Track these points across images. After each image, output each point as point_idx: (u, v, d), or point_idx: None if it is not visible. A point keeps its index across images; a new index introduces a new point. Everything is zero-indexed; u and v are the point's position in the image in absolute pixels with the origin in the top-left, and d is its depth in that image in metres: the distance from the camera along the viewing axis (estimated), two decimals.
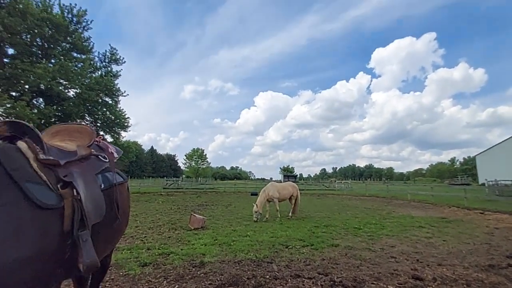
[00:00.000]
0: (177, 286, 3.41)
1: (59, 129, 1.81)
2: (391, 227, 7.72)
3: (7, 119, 1.36)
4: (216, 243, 5.68)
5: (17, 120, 1.38)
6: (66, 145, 1.62)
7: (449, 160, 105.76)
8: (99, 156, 1.80)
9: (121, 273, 3.82)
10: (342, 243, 5.85)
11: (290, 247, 5.50)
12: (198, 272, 3.94)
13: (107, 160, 1.83)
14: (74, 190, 1.39)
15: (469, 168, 75.51)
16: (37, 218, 1.19)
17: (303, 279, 3.68)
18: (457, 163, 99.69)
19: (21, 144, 1.32)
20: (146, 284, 3.48)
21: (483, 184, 30.84)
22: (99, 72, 24.49)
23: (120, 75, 25.13)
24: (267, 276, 3.74)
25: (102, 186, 1.65)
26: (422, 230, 7.40)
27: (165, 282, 3.56)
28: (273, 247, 5.47)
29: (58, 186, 1.35)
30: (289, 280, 3.63)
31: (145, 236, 6.27)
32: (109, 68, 24.93)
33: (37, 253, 1.14)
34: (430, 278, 3.66)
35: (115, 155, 2.01)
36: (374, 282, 3.52)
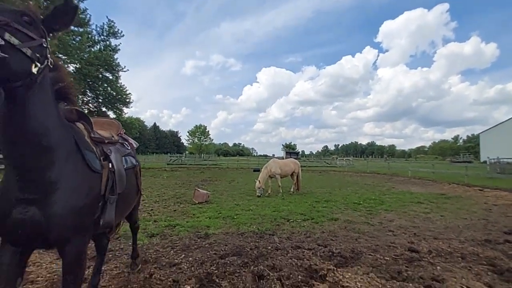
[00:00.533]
0: (183, 255, 3.59)
1: (93, 121, 2.20)
2: (390, 203, 7.90)
3: (76, 108, 1.78)
4: (220, 217, 5.88)
5: (79, 109, 1.84)
6: (102, 132, 2.08)
7: (452, 138, 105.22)
8: (124, 144, 2.36)
9: (130, 243, 4.01)
10: (341, 217, 6.03)
11: (291, 220, 5.69)
12: (203, 243, 4.13)
13: (129, 148, 2.39)
14: (110, 164, 1.85)
15: (472, 146, 75.29)
16: (89, 178, 1.62)
17: (303, 250, 3.85)
18: (460, 141, 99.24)
19: (80, 125, 1.80)
20: (154, 253, 3.66)
21: (485, 162, 30.88)
22: (98, 47, 23.88)
23: (119, 49, 24.52)
24: (269, 247, 3.92)
25: (125, 166, 2.10)
26: (421, 205, 7.56)
27: (172, 251, 3.75)
28: (275, 220, 5.66)
29: (101, 158, 1.79)
30: (290, 250, 3.80)
31: (152, 209, 6.50)
32: (107, 42, 24.28)
33: (87, 203, 1.56)
34: (426, 250, 3.81)
35: (134, 145, 2.61)
36: (372, 253, 3.67)
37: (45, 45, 1.35)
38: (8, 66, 1.14)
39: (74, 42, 19.54)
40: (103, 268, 2.96)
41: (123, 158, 2.14)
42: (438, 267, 3.24)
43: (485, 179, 14.46)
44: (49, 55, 1.39)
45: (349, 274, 2.99)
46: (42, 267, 3.07)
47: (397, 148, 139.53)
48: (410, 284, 2.79)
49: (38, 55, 1.29)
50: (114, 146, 2.08)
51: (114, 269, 3.10)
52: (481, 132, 47.80)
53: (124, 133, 2.63)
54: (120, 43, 24.74)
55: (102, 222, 1.72)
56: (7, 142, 1.32)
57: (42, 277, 2.81)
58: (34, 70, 1.27)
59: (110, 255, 3.50)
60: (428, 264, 3.33)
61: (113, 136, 2.21)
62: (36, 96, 1.33)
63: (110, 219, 1.78)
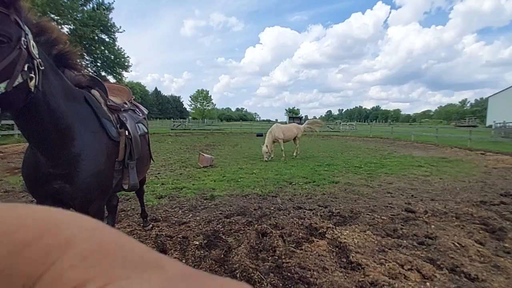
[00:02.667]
0: (191, 215, 3.81)
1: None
2: (391, 166, 8.04)
3: (89, 74, 1.82)
4: (225, 180, 6.09)
5: (94, 76, 1.89)
6: (114, 99, 2.07)
7: (459, 102, 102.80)
8: (135, 110, 2.40)
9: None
10: (342, 180, 6.21)
11: (294, 183, 5.88)
12: (209, 204, 4.34)
13: (141, 115, 2.45)
14: (127, 131, 1.91)
15: (479, 110, 73.82)
16: (107, 145, 1.69)
17: (304, 210, 4.05)
18: (468, 105, 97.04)
19: (95, 92, 1.81)
20: (164, 213, 3.88)
21: (490, 126, 30.54)
22: (90, 5, 22.51)
23: (113, 7, 23.14)
24: (272, 208, 4.12)
25: (139, 133, 2.16)
26: (421, 169, 7.70)
27: (180, 211, 3.97)
28: (278, 183, 5.86)
29: (117, 126, 1.86)
30: (292, 211, 4.00)
31: (159, 173, 6.72)
32: (100, 0, 22.81)
33: (107, 169, 1.69)
34: (422, 211, 3.98)
35: (144, 111, 2.66)
36: (369, 213, 3.85)
37: (24, 42, 1.14)
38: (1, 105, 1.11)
39: (65, 0, 18.39)
40: (116, 226, 3.18)
41: (136, 125, 2.18)
42: (432, 226, 3.41)
43: (489, 143, 14.45)
44: (34, 51, 1.20)
45: (347, 232, 3.17)
46: None
47: (402, 113, 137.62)
48: (404, 241, 2.97)
49: (26, 66, 1.14)
50: (127, 113, 2.12)
51: (127, 227, 3.33)
52: (490, 96, 46.50)
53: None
54: (114, 1, 23.29)
55: (128, 186, 1.93)
56: (27, 134, 1.40)
57: None
58: (31, 86, 1.18)
59: (123, 215, 3.73)
60: (423, 223, 3.51)
61: (125, 103, 2.23)
62: (40, 91, 1.27)
63: (135, 182, 1.96)
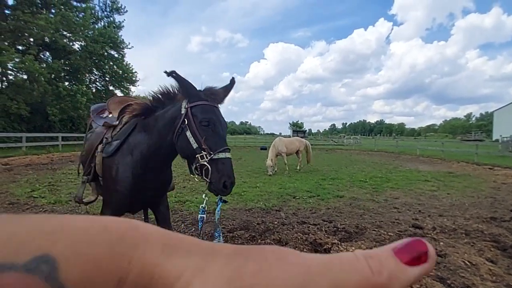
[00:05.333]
0: (193, 228, 3.76)
1: (120, 100, 2.42)
2: (397, 181, 7.92)
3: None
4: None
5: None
6: None
7: (464, 116, 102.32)
8: None
9: (140, 217, 4.21)
10: (347, 194, 6.11)
11: (297, 197, 5.81)
12: (212, 218, 4.29)
13: None
14: None
15: (484, 124, 73.21)
16: None
17: (309, 225, 3.97)
18: (473, 118, 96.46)
19: None
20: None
21: (497, 140, 30.14)
22: (101, 23, 23.45)
23: (123, 26, 24.06)
24: (275, 222, 4.05)
25: None
26: (427, 183, 7.56)
27: (183, 225, 3.93)
28: (281, 197, 5.79)
29: None
30: (296, 225, 3.93)
31: None
32: (111, 19, 23.80)
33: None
34: (430, 227, 3.87)
35: None
36: (376, 229, 3.76)
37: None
38: None
39: (77, 19, 19.18)
40: None
41: None
42: (441, 243, 3.31)
43: (496, 158, 14.19)
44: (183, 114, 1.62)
45: (353, 248, 3.09)
46: None
47: (406, 127, 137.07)
48: None
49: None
50: None
51: None
52: (495, 110, 46.23)
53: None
54: (124, 20, 24.24)
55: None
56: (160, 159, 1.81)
57: None
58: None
59: None
60: (431, 240, 3.40)
61: None
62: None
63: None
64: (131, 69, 24.64)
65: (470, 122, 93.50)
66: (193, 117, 1.57)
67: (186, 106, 1.60)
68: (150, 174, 1.81)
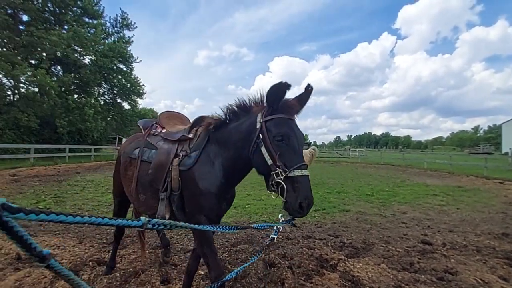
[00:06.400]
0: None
1: (168, 115, 2.43)
2: (404, 195, 7.77)
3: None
4: (232, 206, 5.98)
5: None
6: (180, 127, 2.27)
7: (472, 128, 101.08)
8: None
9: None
10: (353, 208, 6.00)
11: None
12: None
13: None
14: None
15: (493, 137, 72.10)
16: None
17: (314, 239, 3.88)
18: (481, 131, 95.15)
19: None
20: (170, 239, 3.80)
21: (506, 154, 29.54)
22: (112, 38, 24.25)
23: (132, 41, 24.82)
24: (280, 236, 3.97)
25: None
26: (436, 198, 7.40)
27: (186, 238, 3.88)
28: None
29: None
30: (301, 240, 3.85)
31: None
32: (121, 34, 24.61)
33: None
34: (440, 243, 3.75)
35: None
36: (383, 245, 3.66)
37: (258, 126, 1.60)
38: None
39: (89, 34, 19.90)
40: (122, 252, 3.13)
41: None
42: (452, 260, 3.19)
43: (506, 172, 13.86)
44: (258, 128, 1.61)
45: (360, 264, 3.00)
46: (66, 250, 3.26)
47: (413, 139, 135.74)
48: (422, 276, 2.77)
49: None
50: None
51: (132, 253, 3.25)
52: (503, 122, 45.60)
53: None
54: (134, 35, 25.04)
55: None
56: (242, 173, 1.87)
57: (66, 259, 2.99)
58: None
59: (128, 241, 3.67)
60: (441, 257, 3.29)
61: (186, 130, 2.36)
62: None
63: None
64: (138, 82, 25.23)
65: (478, 134, 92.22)
66: (268, 132, 1.53)
67: (261, 120, 1.58)
68: (228, 186, 1.82)
